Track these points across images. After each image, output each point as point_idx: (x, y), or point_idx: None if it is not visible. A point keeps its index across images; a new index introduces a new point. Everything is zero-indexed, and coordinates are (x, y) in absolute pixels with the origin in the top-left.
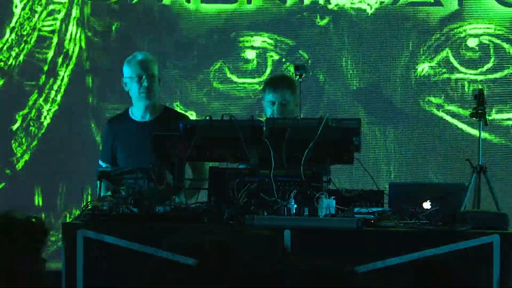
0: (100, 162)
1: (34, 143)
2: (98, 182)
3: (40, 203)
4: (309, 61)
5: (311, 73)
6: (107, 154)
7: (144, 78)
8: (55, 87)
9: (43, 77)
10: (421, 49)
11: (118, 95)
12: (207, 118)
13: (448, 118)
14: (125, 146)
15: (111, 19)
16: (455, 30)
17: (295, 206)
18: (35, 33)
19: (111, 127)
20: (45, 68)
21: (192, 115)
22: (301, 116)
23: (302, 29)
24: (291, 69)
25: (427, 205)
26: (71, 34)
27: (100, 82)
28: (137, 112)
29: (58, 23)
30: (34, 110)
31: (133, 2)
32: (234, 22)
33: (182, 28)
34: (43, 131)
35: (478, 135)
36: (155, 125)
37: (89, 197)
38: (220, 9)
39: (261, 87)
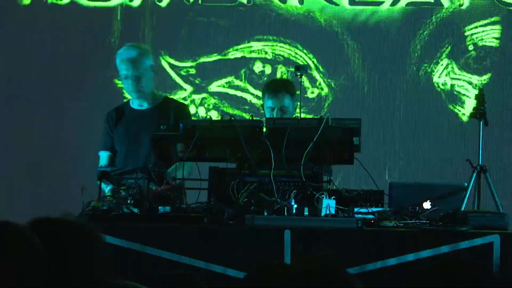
0: (100, 153)
1: None
2: (98, 182)
3: None
4: (311, 61)
5: (310, 72)
6: (107, 143)
7: (129, 78)
8: None
9: None
10: (423, 49)
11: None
12: (207, 118)
13: (448, 117)
14: (124, 132)
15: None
16: (458, 31)
17: (295, 206)
18: None
19: (109, 118)
20: None
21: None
22: (301, 116)
23: (303, 29)
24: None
25: (427, 205)
26: None
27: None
28: (135, 102)
29: None
30: None
31: (134, 6)
32: (234, 22)
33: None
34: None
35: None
36: (154, 112)
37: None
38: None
39: (261, 90)
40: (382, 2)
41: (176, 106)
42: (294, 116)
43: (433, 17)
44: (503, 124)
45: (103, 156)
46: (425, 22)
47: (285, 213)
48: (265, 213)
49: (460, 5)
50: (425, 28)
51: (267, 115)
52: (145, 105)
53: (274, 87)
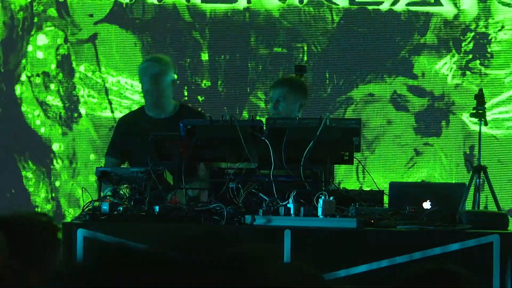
0: (107, 158)
1: None
2: (98, 182)
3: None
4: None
5: (311, 73)
6: (114, 149)
7: (150, 93)
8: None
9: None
10: (423, 48)
11: None
12: (207, 118)
13: (448, 117)
14: (141, 140)
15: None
16: (458, 30)
17: (295, 206)
18: None
19: (123, 123)
20: None
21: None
22: (302, 116)
23: (303, 28)
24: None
25: (427, 205)
26: None
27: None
28: (151, 112)
29: None
30: None
31: (131, 2)
32: (235, 21)
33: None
34: None
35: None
36: (171, 122)
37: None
38: (220, 8)
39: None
40: (382, 2)
41: (193, 115)
42: (294, 113)
43: (434, 17)
44: (503, 123)
45: (108, 162)
46: (426, 22)
47: (285, 213)
48: (265, 213)
49: (460, 5)
50: (425, 28)
51: (270, 109)
52: (162, 115)
53: (277, 80)
